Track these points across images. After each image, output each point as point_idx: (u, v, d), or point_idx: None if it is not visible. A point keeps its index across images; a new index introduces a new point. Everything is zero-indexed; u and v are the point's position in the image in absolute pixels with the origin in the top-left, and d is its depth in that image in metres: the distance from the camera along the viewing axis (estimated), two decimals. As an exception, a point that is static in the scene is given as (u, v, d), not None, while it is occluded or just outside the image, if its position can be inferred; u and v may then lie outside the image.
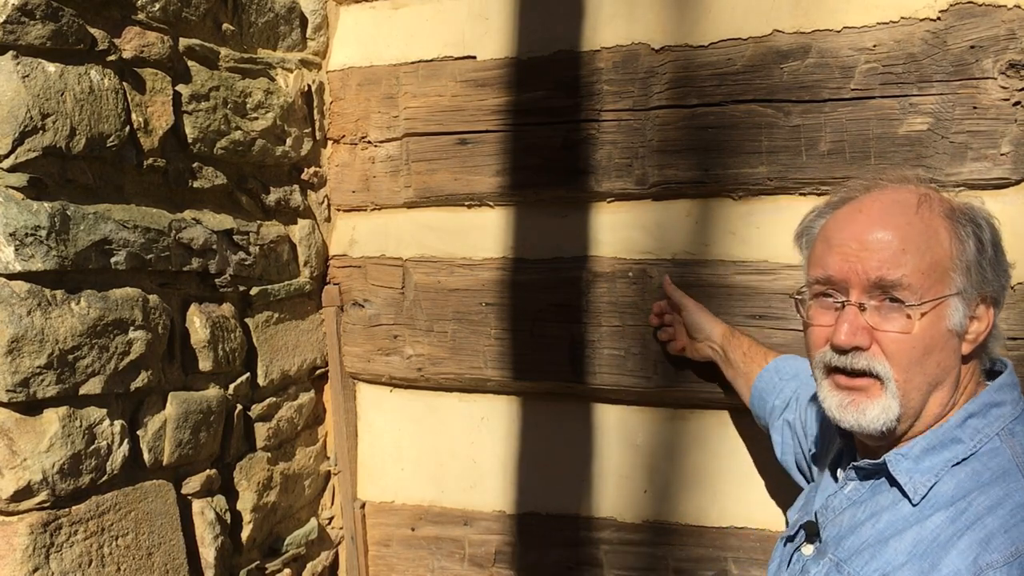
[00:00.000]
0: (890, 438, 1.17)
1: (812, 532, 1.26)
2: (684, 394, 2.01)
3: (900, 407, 1.13)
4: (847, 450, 1.32)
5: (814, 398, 1.48)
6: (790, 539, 1.34)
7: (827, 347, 1.17)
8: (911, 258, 1.11)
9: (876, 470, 1.19)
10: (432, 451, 2.33)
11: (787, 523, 1.42)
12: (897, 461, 1.15)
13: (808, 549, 1.26)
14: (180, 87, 1.86)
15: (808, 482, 1.53)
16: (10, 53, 1.51)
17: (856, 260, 1.13)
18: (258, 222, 2.11)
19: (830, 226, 1.20)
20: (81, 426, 1.62)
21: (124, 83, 1.72)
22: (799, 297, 1.24)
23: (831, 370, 1.18)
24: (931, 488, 1.11)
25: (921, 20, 1.77)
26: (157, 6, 1.78)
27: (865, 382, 1.14)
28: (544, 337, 2.12)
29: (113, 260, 1.68)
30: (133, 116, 1.73)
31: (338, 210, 2.38)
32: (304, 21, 2.28)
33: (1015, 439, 1.12)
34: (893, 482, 1.15)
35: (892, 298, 1.11)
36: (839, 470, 1.32)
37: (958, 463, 1.11)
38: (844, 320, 1.13)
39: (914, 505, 1.11)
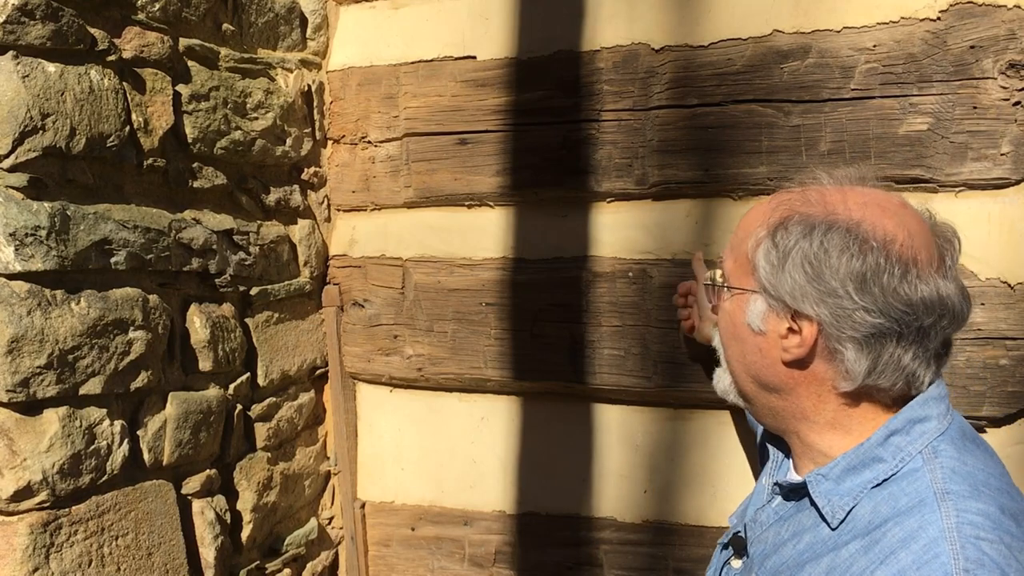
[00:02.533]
0: (776, 427, 1.19)
1: (740, 547, 1.23)
2: (684, 394, 2.01)
3: (731, 380, 1.20)
4: (775, 455, 1.29)
5: None
6: (725, 546, 1.31)
7: None
8: (734, 248, 1.17)
9: (796, 490, 1.15)
10: (432, 451, 2.33)
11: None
12: (818, 482, 1.11)
13: (737, 563, 1.24)
14: (180, 87, 1.86)
15: None
16: (10, 53, 1.51)
17: None
18: (258, 222, 2.11)
19: None
20: (81, 426, 1.62)
21: (124, 83, 1.72)
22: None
23: None
24: (849, 512, 1.06)
25: (921, 20, 1.77)
26: (157, 6, 1.78)
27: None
28: (544, 337, 2.12)
29: (113, 260, 1.68)
30: (133, 116, 1.73)
31: (338, 210, 2.38)
32: (304, 21, 2.28)
33: (937, 460, 1.05)
34: (813, 503, 1.12)
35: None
36: (765, 479, 1.29)
37: (878, 485, 1.06)
38: None
39: (833, 529, 1.07)
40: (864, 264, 1.04)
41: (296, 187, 2.25)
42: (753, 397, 1.18)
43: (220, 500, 1.99)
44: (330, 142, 2.36)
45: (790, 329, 1.09)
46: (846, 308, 1.05)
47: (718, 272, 1.21)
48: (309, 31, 2.29)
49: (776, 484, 1.20)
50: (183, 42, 1.87)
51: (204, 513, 1.93)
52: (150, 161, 1.78)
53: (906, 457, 1.06)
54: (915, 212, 1.12)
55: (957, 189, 1.77)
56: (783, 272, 1.08)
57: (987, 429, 1.78)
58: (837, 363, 1.08)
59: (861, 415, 1.11)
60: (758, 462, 1.53)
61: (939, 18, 1.75)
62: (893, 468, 1.06)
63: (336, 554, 2.45)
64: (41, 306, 1.55)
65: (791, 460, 1.24)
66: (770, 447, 1.33)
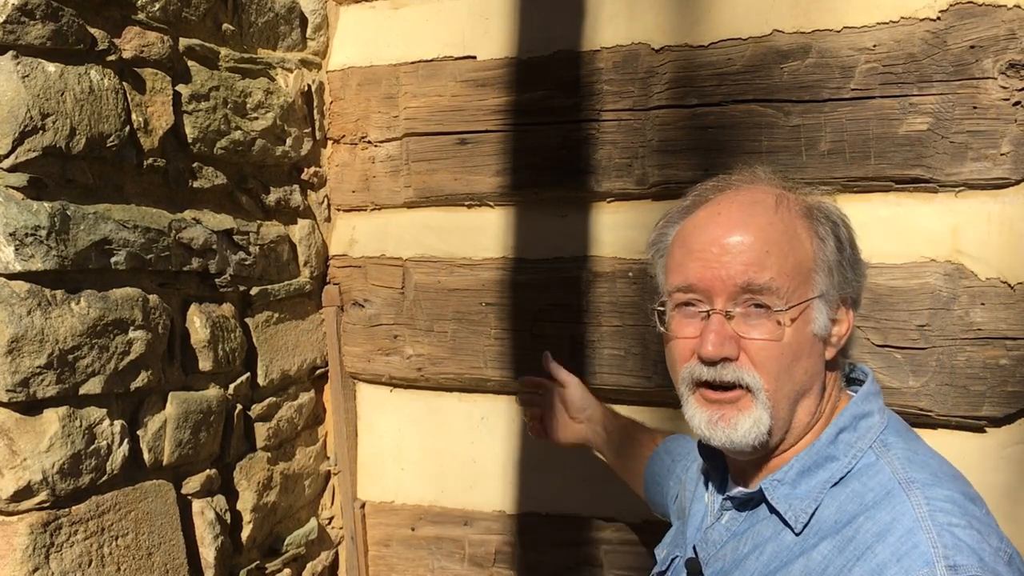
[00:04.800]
0: (761, 451, 1.10)
1: (695, 571, 1.17)
2: (684, 394, 2.01)
3: (771, 418, 1.06)
4: (714, 472, 1.24)
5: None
6: (661, 574, 1.27)
7: (693, 360, 1.09)
8: (775, 260, 1.05)
9: (751, 499, 1.12)
10: (432, 451, 2.33)
11: (655, 560, 1.34)
12: (774, 488, 1.08)
13: None
14: (180, 87, 1.86)
15: None
16: (10, 53, 1.51)
17: (719, 266, 1.06)
18: (258, 222, 2.11)
19: (688, 230, 1.12)
20: (81, 426, 1.62)
21: (124, 83, 1.72)
22: (661, 309, 1.14)
23: (699, 384, 1.09)
24: (813, 514, 1.04)
25: (921, 20, 1.77)
26: (157, 6, 1.78)
27: (734, 394, 1.07)
28: (544, 337, 2.12)
29: (113, 260, 1.68)
30: (133, 116, 1.73)
31: (338, 210, 2.38)
32: (304, 21, 2.28)
33: (891, 452, 1.05)
34: (773, 510, 1.08)
35: (758, 304, 1.05)
36: (707, 496, 1.24)
37: (836, 483, 1.05)
38: (711, 330, 1.06)
39: (797, 534, 1.04)
40: (853, 234, 1.13)
41: (296, 187, 2.25)
42: (780, 426, 1.09)
43: (220, 500, 1.99)
44: (330, 142, 2.36)
45: (833, 320, 1.10)
46: (864, 276, 1.12)
47: (744, 309, 1.06)
48: (309, 31, 2.29)
49: (728, 498, 1.16)
50: (183, 42, 1.87)
51: (204, 513, 1.92)
52: (150, 161, 1.78)
53: (858, 453, 1.06)
54: None
55: (957, 189, 1.77)
56: (843, 259, 1.10)
57: (987, 429, 1.78)
58: (850, 339, 1.12)
59: (837, 401, 1.14)
60: (678, 488, 1.46)
61: (939, 18, 1.75)
62: (847, 465, 1.06)
63: (336, 554, 2.45)
64: (41, 306, 1.55)
65: (730, 477, 1.20)
66: (705, 464, 1.27)
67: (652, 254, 1.21)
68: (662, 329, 1.15)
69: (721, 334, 1.06)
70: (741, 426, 1.06)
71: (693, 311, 1.09)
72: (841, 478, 1.05)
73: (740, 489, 1.15)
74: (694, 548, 1.19)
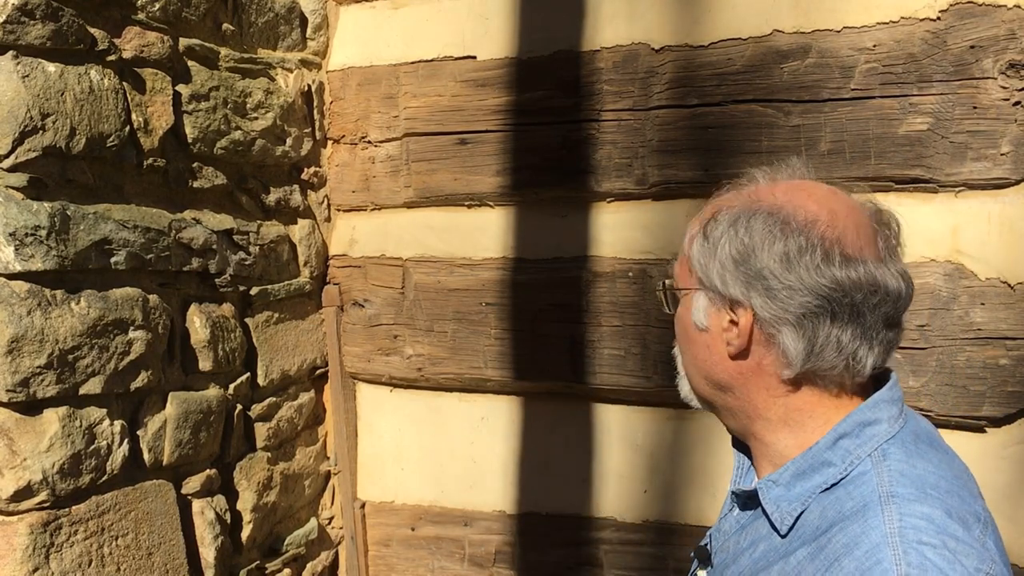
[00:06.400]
0: (725, 419, 1.19)
1: (704, 557, 1.20)
2: (684, 394, 2.01)
3: (691, 389, 1.19)
4: (740, 461, 1.26)
5: None
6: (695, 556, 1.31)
7: None
8: (684, 248, 1.16)
9: (752, 497, 1.13)
10: (432, 451, 2.33)
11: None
12: (768, 488, 1.08)
13: (702, 574, 1.22)
14: (180, 87, 1.86)
15: None
16: (10, 53, 1.51)
17: None
18: (258, 222, 2.11)
19: None
20: (81, 426, 1.62)
21: (124, 83, 1.72)
22: None
23: None
24: (798, 517, 1.04)
25: (921, 20, 1.77)
26: (157, 6, 1.78)
27: None
28: (544, 337, 2.12)
29: (113, 260, 1.68)
30: (133, 116, 1.73)
31: (338, 210, 2.38)
32: (304, 21, 2.28)
33: (886, 462, 1.03)
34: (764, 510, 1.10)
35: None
36: (731, 486, 1.28)
37: (827, 489, 1.04)
38: None
39: (782, 537, 1.05)
40: (787, 245, 1.04)
41: (296, 187, 2.25)
42: (711, 399, 1.17)
43: (220, 500, 1.99)
44: (330, 142, 2.36)
45: (731, 321, 1.09)
46: (774, 290, 1.05)
47: (667, 280, 1.22)
48: (309, 31, 2.29)
49: (733, 493, 1.17)
50: (183, 42, 1.87)
51: (204, 513, 1.92)
52: (150, 161, 1.78)
53: (855, 461, 1.04)
54: (846, 198, 1.11)
55: (957, 189, 1.77)
56: (714, 262, 1.09)
57: (987, 429, 1.78)
58: (776, 349, 1.07)
59: (810, 408, 1.10)
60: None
61: (939, 18, 1.75)
62: (842, 472, 1.04)
63: (336, 554, 2.45)
64: (41, 306, 1.55)
65: (753, 466, 1.21)
66: (735, 453, 1.29)
67: None
68: None
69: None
70: (680, 386, 1.20)
71: None
72: (833, 484, 1.04)
73: (740, 487, 1.16)
74: (710, 535, 1.22)
